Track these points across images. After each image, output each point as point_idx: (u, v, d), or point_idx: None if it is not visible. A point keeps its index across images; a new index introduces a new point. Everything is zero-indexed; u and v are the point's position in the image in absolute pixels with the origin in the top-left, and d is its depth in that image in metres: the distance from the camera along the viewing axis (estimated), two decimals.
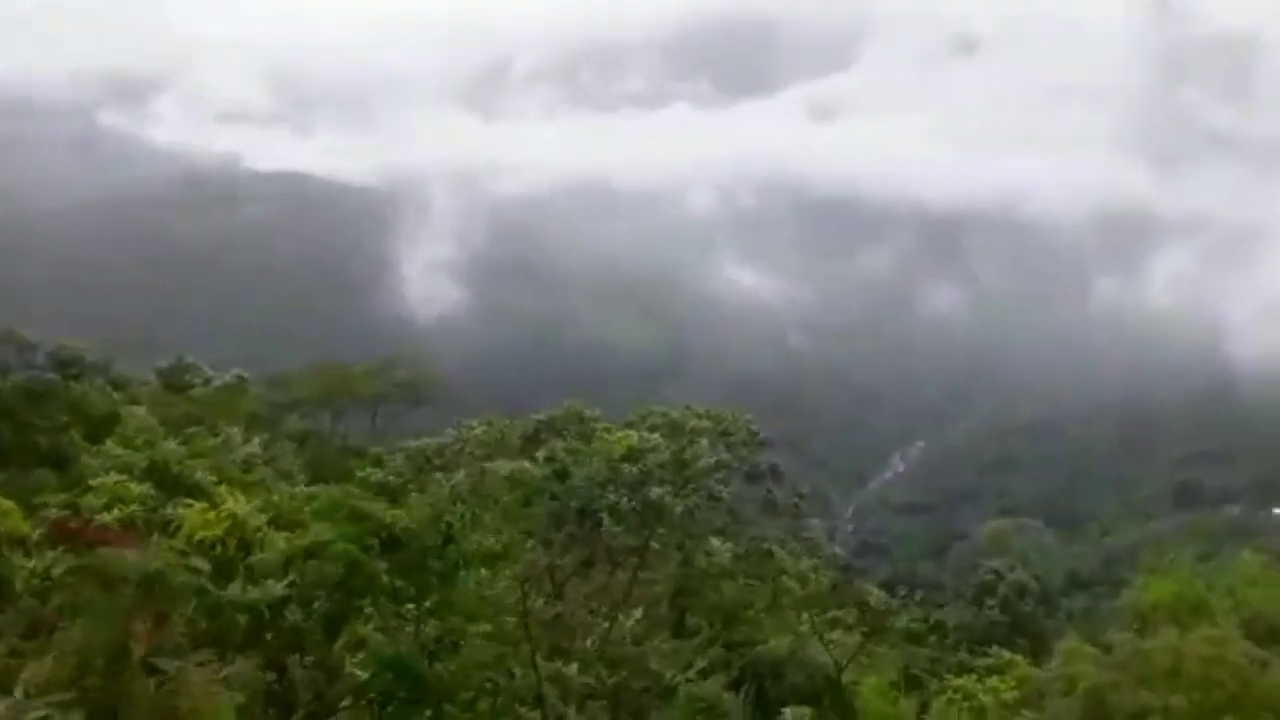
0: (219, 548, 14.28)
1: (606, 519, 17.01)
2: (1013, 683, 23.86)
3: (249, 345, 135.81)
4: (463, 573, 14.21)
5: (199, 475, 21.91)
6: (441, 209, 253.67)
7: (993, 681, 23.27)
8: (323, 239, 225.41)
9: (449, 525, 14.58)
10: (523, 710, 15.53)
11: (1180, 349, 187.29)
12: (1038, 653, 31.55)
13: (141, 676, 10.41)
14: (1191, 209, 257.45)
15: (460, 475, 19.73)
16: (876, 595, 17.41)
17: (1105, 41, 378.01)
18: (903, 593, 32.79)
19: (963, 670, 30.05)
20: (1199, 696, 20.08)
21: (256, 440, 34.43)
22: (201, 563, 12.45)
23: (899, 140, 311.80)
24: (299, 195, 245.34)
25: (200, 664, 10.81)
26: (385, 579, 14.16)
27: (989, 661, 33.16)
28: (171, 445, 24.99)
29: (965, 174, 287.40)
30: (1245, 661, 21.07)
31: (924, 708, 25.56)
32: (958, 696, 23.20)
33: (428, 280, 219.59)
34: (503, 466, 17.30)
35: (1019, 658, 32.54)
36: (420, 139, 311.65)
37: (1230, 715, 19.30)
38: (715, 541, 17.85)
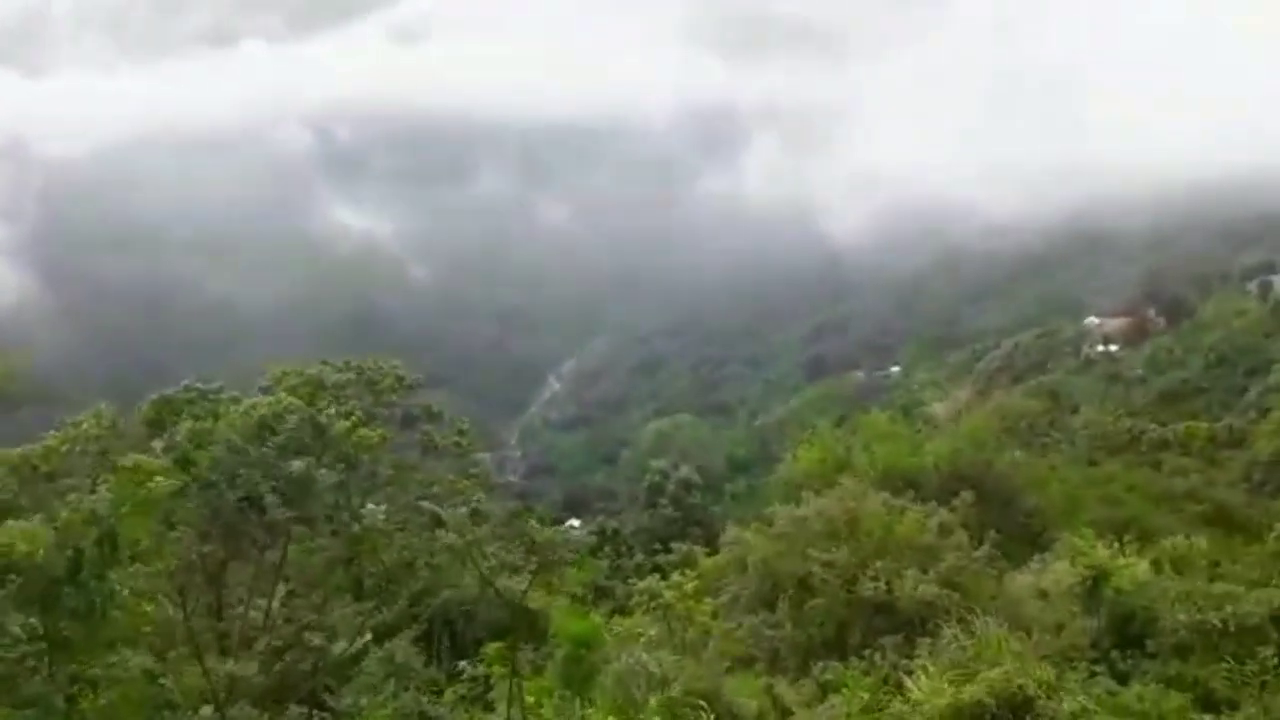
0: None
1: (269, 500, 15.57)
2: (693, 575, 24.74)
3: None
4: (99, 601, 12.43)
5: None
6: None
7: (675, 577, 24.02)
8: None
9: (78, 550, 12.70)
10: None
11: (784, 233, 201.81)
12: (712, 541, 33.05)
13: None
14: (770, 99, 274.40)
15: (77, 481, 17.52)
16: (540, 529, 17.16)
17: None
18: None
19: (644, 572, 31.04)
20: (853, 548, 21.65)
21: None
22: None
23: (487, 61, 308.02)
24: None
25: None
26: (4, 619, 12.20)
27: (669, 559, 34.58)
28: None
29: (555, 89, 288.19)
30: (884, 510, 22.95)
31: (614, 615, 26.13)
32: (644, 598, 23.79)
33: None
34: (125, 463, 15.41)
35: (696, 549, 34.04)
36: None
37: (880, 560, 20.87)
38: (368, 505, 16.82)
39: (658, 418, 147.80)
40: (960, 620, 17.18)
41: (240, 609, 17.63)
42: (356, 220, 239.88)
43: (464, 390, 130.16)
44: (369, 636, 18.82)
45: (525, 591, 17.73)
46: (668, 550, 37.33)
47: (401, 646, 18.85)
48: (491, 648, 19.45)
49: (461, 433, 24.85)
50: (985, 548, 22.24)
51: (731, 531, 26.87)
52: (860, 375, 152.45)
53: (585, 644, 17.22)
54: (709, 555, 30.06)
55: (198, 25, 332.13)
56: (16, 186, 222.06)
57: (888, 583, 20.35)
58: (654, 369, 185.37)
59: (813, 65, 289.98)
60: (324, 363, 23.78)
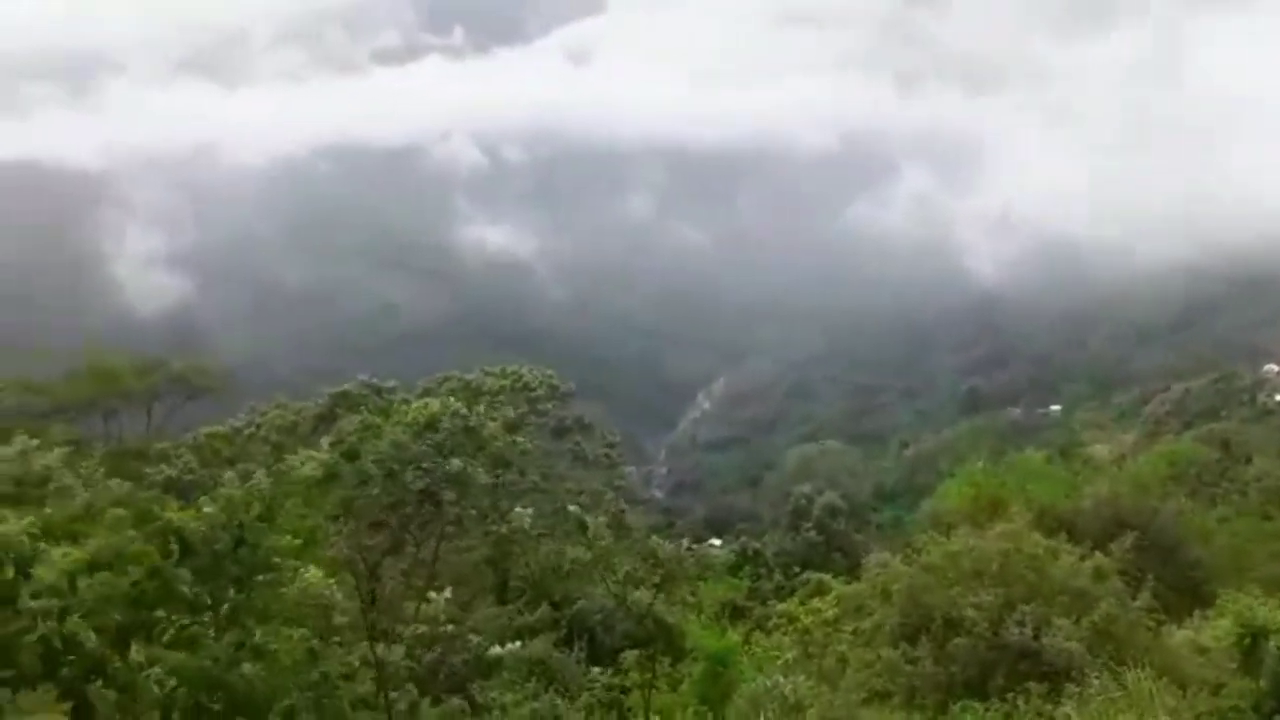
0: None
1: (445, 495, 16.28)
2: (833, 600, 24.54)
3: None
4: (261, 575, 13.23)
5: None
6: (185, 185, 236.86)
7: (814, 602, 23.88)
8: (48, 229, 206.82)
9: (240, 525, 13.54)
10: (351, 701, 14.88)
11: (933, 264, 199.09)
12: (854, 569, 32.68)
13: None
14: (923, 130, 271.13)
15: (254, 467, 18.59)
16: (663, 546, 17.35)
17: None
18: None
19: (783, 594, 30.92)
20: (1002, 590, 21.10)
21: (56, 451, 31.61)
22: None
23: (655, 82, 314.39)
24: (17, 183, 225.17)
25: None
26: (183, 587, 13.10)
27: (808, 584, 34.34)
28: None
29: (719, 110, 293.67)
30: (1039, 552, 22.28)
31: (750, 635, 26.11)
32: (782, 621, 23.72)
33: (174, 266, 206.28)
34: (300, 456, 16.33)
35: (830, 576, 33.71)
36: (153, 113, 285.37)
37: (1032, 603, 20.29)
38: (518, 508, 17.36)
39: (805, 443, 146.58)
40: (1111, 671, 16.60)
41: (394, 601, 18.39)
42: (513, 235, 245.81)
43: (613, 405, 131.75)
44: (514, 638, 19.33)
45: (651, 604, 17.97)
46: (800, 575, 37.08)
47: (542, 647, 19.30)
48: (629, 656, 19.73)
49: (611, 445, 25.37)
50: (1143, 597, 21.37)
51: (876, 559, 26.50)
52: (1017, 412, 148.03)
53: (722, 661, 17.33)
54: (849, 583, 29.75)
55: (387, 44, 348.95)
56: (205, 193, 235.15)
57: (1036, 627, 19.78)
58: (806, 394, 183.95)
59: (970, 97, 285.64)
60: (483, 370, 24.64)
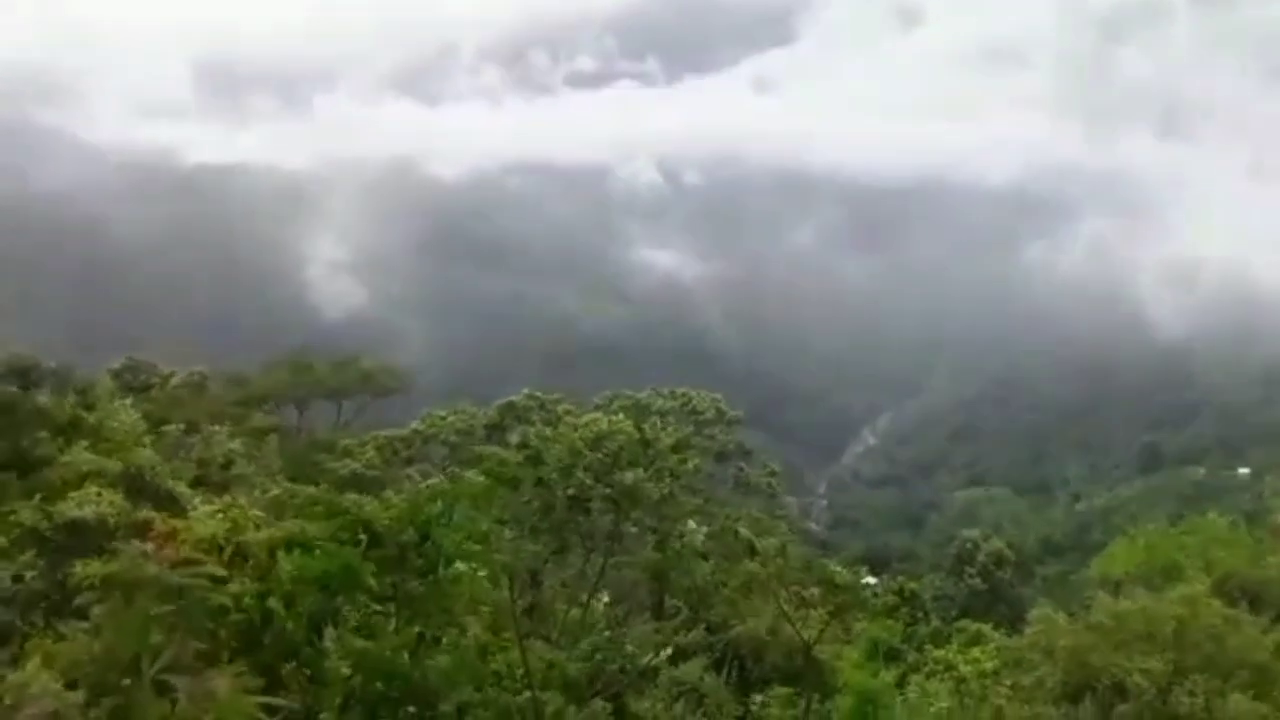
0: (220, 552, 13.84)
1: (595, 504, 16.84)
2: (993, 652, 24.00)
3: (196, 340, 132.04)
4: (441, 569, 13.98)
5: (170, 482, 21.46)
6: (382, 196, 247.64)
7: (973, 652, 23.40)
8: (261, 232, 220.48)
9: (426, 519, 14.33)
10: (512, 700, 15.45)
11: (1114, 311, 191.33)
12: (1016, 621, 31.80)
13: (152, 694, 10.08)
14: (1112, 171, 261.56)
15: (430, 467, 19.52)
16: (842, 573, 17.35)
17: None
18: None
19: (939, 640, 30.29)
20: (1175, 657, 20.26)
21: (239, 439, 33.80)
22: (217, 569, 12.00)
23: (840, 112, 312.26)
24: (236, 188, 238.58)
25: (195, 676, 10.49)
26: (369, 577, 13.92)
27: (965, 632, 33.49)
28: (147, 451, 24.41)
29: (903, 143, 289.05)
30: (1218, 620, 21.29)
31: (903, 679, 25.72)
32: (939, 668, 23.32)
33: (371, 268, 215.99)
34: (483, 450, 17.10)
35: (990, 626, 32.80)
36: (360, 126, 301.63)
37: (1206, 674, 19.45)
38: (690, 524, 17.68)
39: (971, 487, 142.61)
40: None
41: (554, 609, 18.99)
42: (687, 258, 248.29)
43: (777, 434, 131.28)
44: (668, 652, 19.66)
45: (821, 634, 17.99)
46: (960, 624, 36.16)
47: (696, 672, 19.55)
48: (781, 692, 19.76)
49: (773, 474, 25.43)
50: None
51: (1040, 613, 25.73)
52: (1201, 472, 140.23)
53: (874, 701, 17.23)
54: (1009, 635, 28.94)
55: (585, 68, 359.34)
56: (411, 201, 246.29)
57: (1207, 699, 18.94)
58: (972, 436, 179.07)
59: (1162, 140, 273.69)
60: (654, 389, 25.11)
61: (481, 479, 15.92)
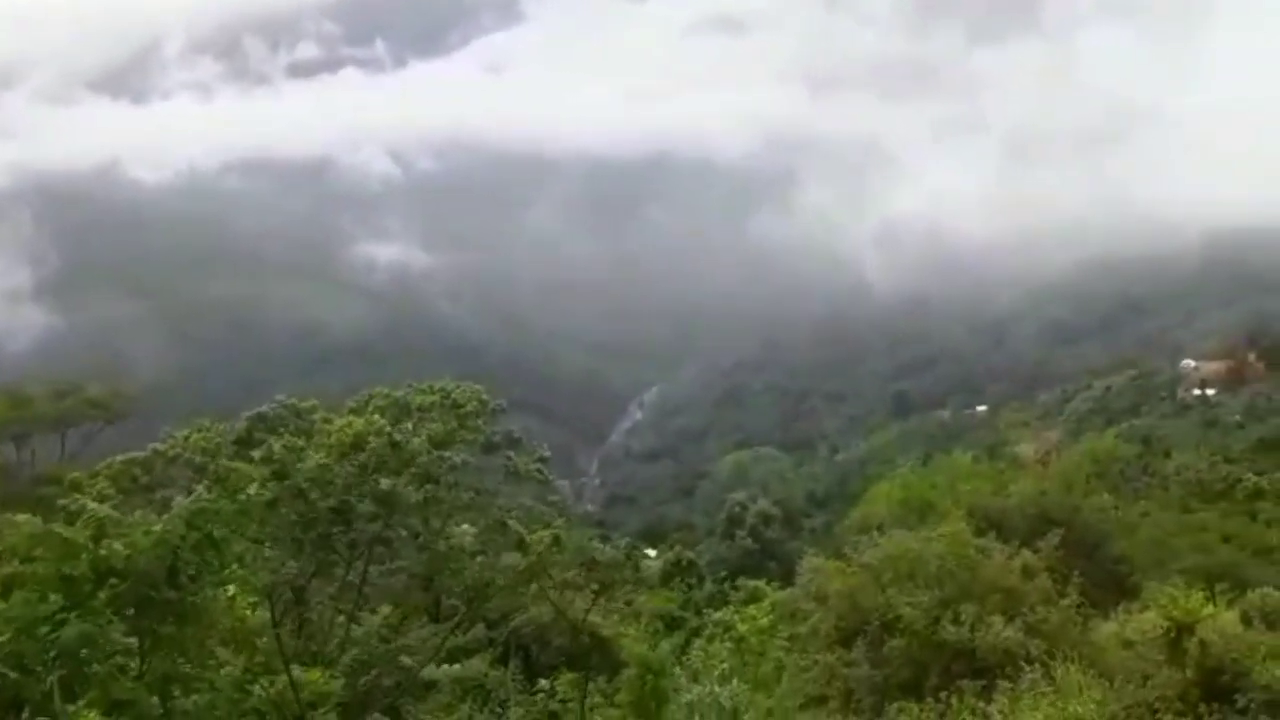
0: None
1: (357, 514, 15.93)
2: (768, 607, 24.56)
3: None
4: (193, 599, 12.77)
5: None
6: (79, 207, 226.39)
7: (750, 610, 23.87)
8: None
9: (175, 551, 13.07)
10: None
11: (839, 274, 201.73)
12: (788, 575, 32.77)
13: None
14: (833, 136, 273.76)
15: (175, 491, 18.03)
16: (602, 549, 17.23)
17: None
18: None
19: (718, 603, 30.87)
20: (939, 591, 21.30)
21: None
22: None
23: (572, 91, 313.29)
24: None
25: None
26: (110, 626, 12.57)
27: (742, 592, 34.31)
28: None
29: (633, 120, 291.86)
30: (972, 552, 22.54)
31: (687, 645, 26.01)
32: (718, 630, 23.66)
33: (72, 289, 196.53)
34: (227, 467, 15.90)
35: (765, 583, 33.74)
36: (49, 130, 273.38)
37: (966, 602, 20.50)
38: (465, 525, 17.08)
39: (739, 450, 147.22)
40: (1042, 666, 16.81)
41: (323, 625, 18.00)
42: (424, 247, 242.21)
43: (547, 417, 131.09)
44: (445, 657, 19.05)
45: (588, 613, 17.80)
46: (735, 584, 37.03)
47: (477, 667, 19.04)
48: (565, 678, 19.47)
49: (542, 460, 25.02)
50: (1070, 593, 21.71)
51: (809, 564, 26.57)
52: (945, 414, 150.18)
53: (654, 670, 17.17)
54: (784, 589, 29.77)
55: (306, 56, 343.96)
56: (106, 213, 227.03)
57: (971, 627, 19.98)
58: (737, 402, 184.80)
59: (883, 104, 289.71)
60: (410, 385, 24.20)
61: (226, 501, 14.75)
